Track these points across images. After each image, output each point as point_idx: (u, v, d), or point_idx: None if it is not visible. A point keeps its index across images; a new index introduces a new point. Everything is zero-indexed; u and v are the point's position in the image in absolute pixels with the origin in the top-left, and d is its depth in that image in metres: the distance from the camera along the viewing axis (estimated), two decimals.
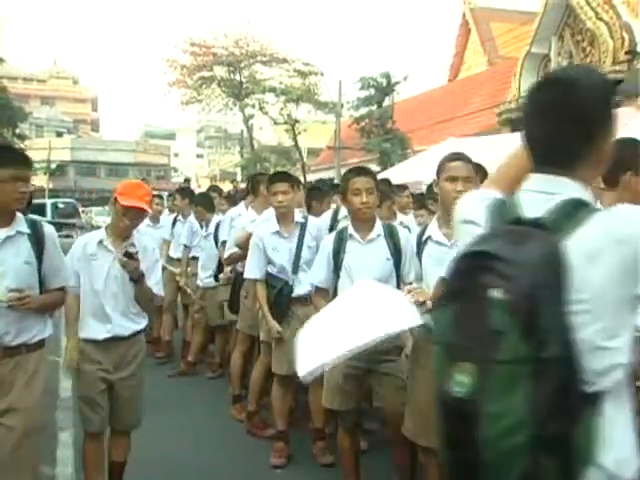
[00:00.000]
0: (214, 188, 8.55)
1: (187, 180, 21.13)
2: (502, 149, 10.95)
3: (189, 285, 7.12)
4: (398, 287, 3.63)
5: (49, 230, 3.31)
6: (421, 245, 3.46)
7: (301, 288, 4.53)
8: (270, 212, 5.19)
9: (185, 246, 7.24)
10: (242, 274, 5.60)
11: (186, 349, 7.25)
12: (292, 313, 4.53)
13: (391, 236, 3.77)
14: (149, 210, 3.77)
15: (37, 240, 3.20)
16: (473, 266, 1.43)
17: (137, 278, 3.56)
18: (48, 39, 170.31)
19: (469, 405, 1.35)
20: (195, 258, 7.11)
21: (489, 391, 1.32)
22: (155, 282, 3.77)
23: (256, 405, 5.24)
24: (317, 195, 5.75)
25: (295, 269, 4.58)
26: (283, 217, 4.62)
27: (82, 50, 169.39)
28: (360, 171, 3.83)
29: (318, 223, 4.82)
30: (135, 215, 3.62)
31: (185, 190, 8.35)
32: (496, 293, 1.34)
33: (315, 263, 3.99)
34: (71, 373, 3.85)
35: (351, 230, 3.80)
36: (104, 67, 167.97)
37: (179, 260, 7.40)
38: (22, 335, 3.15)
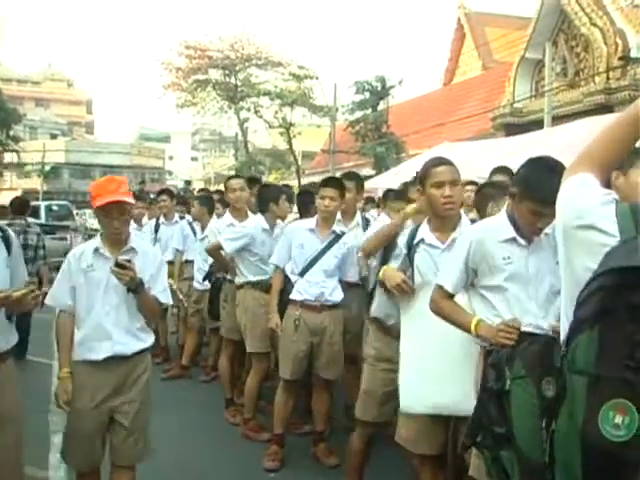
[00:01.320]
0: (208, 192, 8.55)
1: (188, 182, 20.93)
2: (496, 153, 10.98)
3: (181, 289, 7.10)
4: None
5: (13, 234, 3.19)
6: (412, 249, 3.31)
7: (309, 291, 4.48)
8: (257, 218, 5.24)
9: (177, 250, 7.22)
10: (222, 279, 5.71)
11: (179, 352, 7.25)
12: (300, 317, 4.48)
13: None
14: (130, 200, 3.23)
15: (7, 244, 3.06)
16: (624, 284, 1.24)
17: (135, 288, 3.17)
18: (43, 41, 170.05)
19: (630, 452, 1.12)
20: (188, 262, 7.11)
21: None
22: (161, 289, 3.39)
23: (253, 411, 5.22)
24: (308, 198, 5.75)
25: (305, 270, 4.51)
26: (324, 221, 4.59)
27: (77, 52, 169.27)
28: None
29: (351, 239, 4.70)
30: (118, 212, 3.16)
31: (171, 192, 8.28)
32: None
33: (449, 265, 3.00)
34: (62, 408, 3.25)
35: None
36: (99, 69, 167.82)
37: (168, 263, 7.35)
38: None
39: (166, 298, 3.42)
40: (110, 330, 3.22)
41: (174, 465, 4.61)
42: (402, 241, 3.46)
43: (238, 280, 5.26)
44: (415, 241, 3.30)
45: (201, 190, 8.09)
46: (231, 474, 4.56)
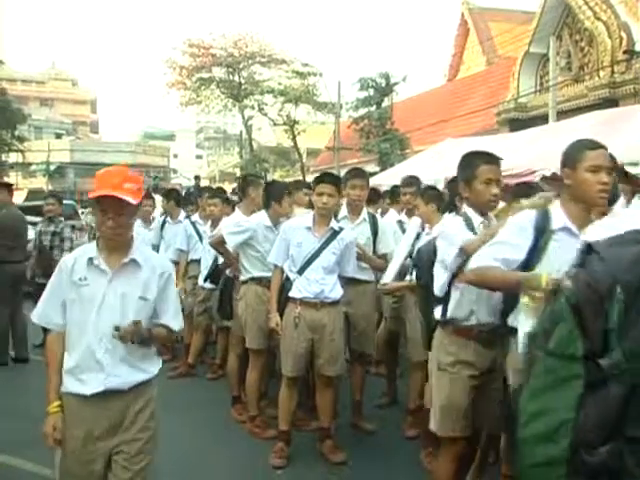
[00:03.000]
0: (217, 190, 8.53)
1: (197, 177, 20.70)
2: (501, 149, 10.95)
3: (185, 289, 7.12)
4: None
5: None
6: (545, 234, 2.99)
7: (309, 289, 4.47)
8: (261, 215, 5.23)
9: (181, 250, 7.22)
10: (231, 279, 5.67)
11: (186, 351, 7.26)
12: (299, 314, 4.48)
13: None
14: (130, 200, 2.66)
15: None
16: None
17: (143, 341, 2.77)
18: (47, 41, 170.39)
19: None
20: (193, 261, 7.12)
21: None
22: (173, 313, 2.91)
23: (257, 408, 5.25)
24: (276, 191, 5.80)
25: (304, 268, 4.49)
26: (321, 218, 4.56)
27: (81, 52, 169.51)
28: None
29: (351, 236, 4.70)
30: (114, 209, 2.66)
31: (171, 192, 8.28)
32: None
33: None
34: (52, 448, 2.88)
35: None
36: (103, 69, 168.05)
37: (172, 262, 7.37)
38: None
39: (179, 324, 2.95)
40: (102, 360, 2.71)
41: (180, 463, 4.63)
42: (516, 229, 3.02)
43: (242, 276, 5.28)
44: (553, 228, 2.95)
45: (218, 189, 8.05)
46: (238, 471, 4.57)
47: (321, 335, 4.48)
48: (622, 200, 4.63)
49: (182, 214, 7.65)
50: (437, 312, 3.44)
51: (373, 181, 13.36)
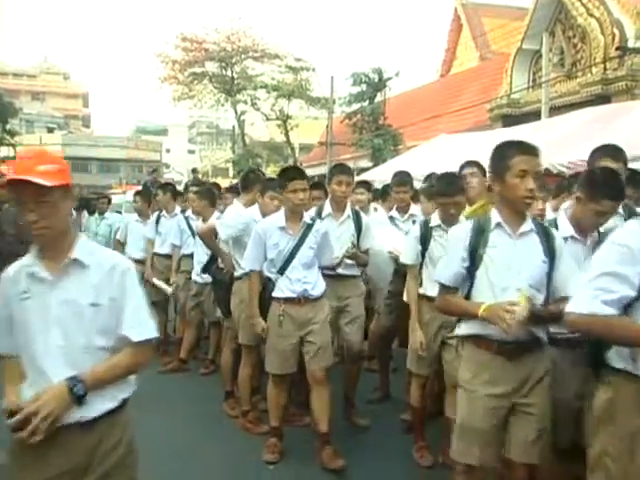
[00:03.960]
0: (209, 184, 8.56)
1: (195, 170, 20.34)
2: (494, 145, 10.96)
3: (178, 283, 7.12)
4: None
5: None
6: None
7: (291, 288, 4.44)
8: (254, 209, 5.22)
9: (175, 245, 7.23)
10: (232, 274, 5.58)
11: (178, 346, 7.26)
12: (284, 313, 4.45)
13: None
14: (43, 182, 2.15)
15: None
16: None
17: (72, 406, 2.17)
18: (39, 34, 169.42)
19: None
20: (185, 255, 7.13)
21: None
22: (133, 321, 2.31)
23: (249, 403, 5.26)
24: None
25: (284, 268, 4.46)
26: (294, 215, 4.49)
27: (73, 45, 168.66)
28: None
29: (325, 227, 4.69)
30: (32, 198, 2.19)
31: (166, 185, 8.28)
32: None
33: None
34: None
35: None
36: (95, 63, 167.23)
37: (166, 256, 7.40)
38: None
39: (142, 333, 2.33)
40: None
41: (173, 458, 4.63)
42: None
43: (236, 272, 5.25)
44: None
45: (214, 185, 8.09)
46: (230, 466, 4.57)
47: (307, 330, 4.46)
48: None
49: (177, 208, 7.65)
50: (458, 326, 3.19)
51: (366, 177, 13.38)
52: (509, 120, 16.75)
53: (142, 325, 2.34)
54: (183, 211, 7.51)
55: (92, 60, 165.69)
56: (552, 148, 8.18)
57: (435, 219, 4.46)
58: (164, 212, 7.64)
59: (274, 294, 4.49)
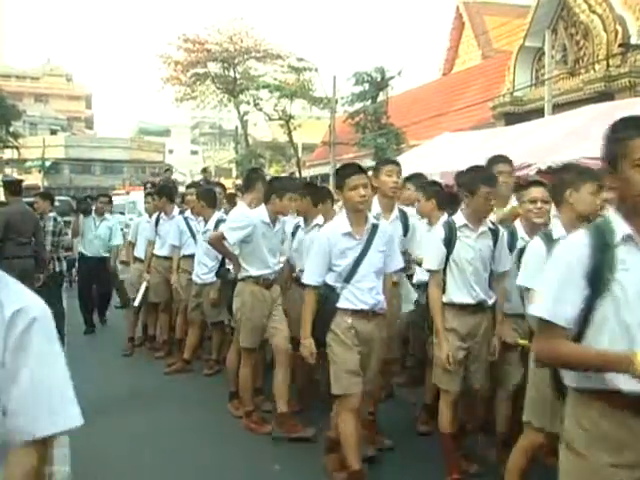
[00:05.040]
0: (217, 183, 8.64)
1: (205, 170, 19.64)
2: (497, 143, 10.95)
3: (180, 284, 7.12)
4: None
5: None
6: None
7: (362, 299, 3.95)
8: (260, 210, 5.13)
9: (174, 246, 7.24)
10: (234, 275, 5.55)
11: (179, 346, 7.26)
12: (352, 326, 3.92)
13: None
14: None
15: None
16: None
17: None
18: (41, 37, 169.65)
19: None
20: (185, 256, 7.15)
21: None
22: (32, 407, 1.46)
23: (252, 403, 5.25)
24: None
25: (351, 276, 3.95)
26: (358, 216, 3.97)
27: (76, 47, 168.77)
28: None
29: (390, 227, 4.30)
30: None
31: (163, 189, 8.28)
32: None
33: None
34: None
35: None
36: (98, 64, 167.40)
37: (165, 258, 7.40)
38: None
39: (58, 424, 1.53)
40: None
41: (177, 458, 4.63)
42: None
43: (239, 274, 5.21)
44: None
45: (218, 185, 8.13)
46: (234, 467, 4.56)
47: (370, 348, 4.02)
48: None
49: (176, 210, 7.66)
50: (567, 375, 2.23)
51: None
52: (512, 118, 16.71)
53: (58, 412, 1.53)
54: (182, 212, 7.54)
55: (95, 62, 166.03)
56: (555, 145, 8.17)
57: (460, 218, 4.11)
58: (162, 214, 7.66)
59: (340, 304, 3.94)
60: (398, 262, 4.21)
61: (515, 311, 3.99)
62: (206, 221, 6.61)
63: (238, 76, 33.78)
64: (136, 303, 7.73)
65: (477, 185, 3.99)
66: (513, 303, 4.04)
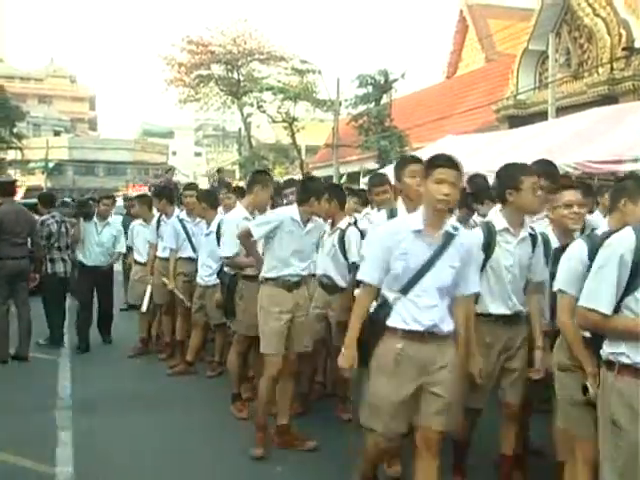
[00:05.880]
0: (225, 184, 8.64)
1: (220, 170, 19.09)
2: (500, 146, 10.95)
3: (177, 286, 7.13)
4: None
5: None
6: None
7: (417, 318, 3.26)
8: (290, 208, 4.92)
9: (171, 249, 7.21)
10: (235, 277, 5.52)
11: (181, 348, 7.26)
12: (403, 351, 3.27)
13: None
14: None
15: None
16: None
17: None
18: (45, 38, 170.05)
19: None
20: (182, 258, 7.15)
21: None
22: None
23: (238, 388, 5.52)
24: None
25: (409, 287, 3.27)
26: (436, 216, 3.28)
27: (79, 49, 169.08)
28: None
29: (472, 240, 3.53)
30: None
31: (163, 191, 8.26)
32: None
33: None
34: None
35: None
36: (102, 66, 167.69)
37: (167, 259, 7.40)
38: None
39: None
40: None
41: (179, 459, 4.63)
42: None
43: (260, 275, 4.91)
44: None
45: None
46: (237, 468, 4.56)
47: (431, 377, 3.28)
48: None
49: (177, 211, 7.66)
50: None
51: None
52: (516, 121, 16.70)
53: None
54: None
55: (99, 63, 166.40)
56: (559, 149, 8.16)
57: (500, 222, 3.77)
58: (163, 217, 7.66)
59: (390, 322, 3.30)
60: (474, 284, 3.51)
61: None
62: (208, 223, 6.61)
63: (242, 78, 33.80)
64: (143, 309, 7.66)
65: (519, 178, 3.70)
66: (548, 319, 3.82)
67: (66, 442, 4.92)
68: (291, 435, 4.84)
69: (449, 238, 3.28)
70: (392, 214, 4.08)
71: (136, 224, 8.36)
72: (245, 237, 4.93)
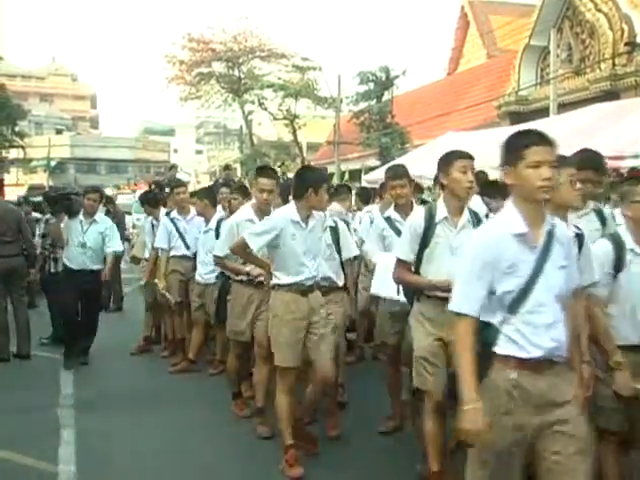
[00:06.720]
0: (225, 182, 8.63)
1: (227, 167, 18.97)
2: (502, 142, 10.90)
3: (169, 287, 7.09)
4: None
5: None
6: None
7: (534, 342, 2.53)
8: (286, 209, 4.55)
9: (161, 249, 7.13)
10: (228, 279, 5.50)
11: (182, 346, 7.25)
12: (517, 384, 2.53)
13: None
14: None
15: None
16: None
17: None
18: (46, 36, 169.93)
19: None
20: (174, 257, 7.11)
21: None
22: None
23: (238, 387, 5.54)
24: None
25: (518, 304, 2.55)
26: (537, 209, 2.60)
27: (81, 47, 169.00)
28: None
29: (568, 232, 2.88)
30: None
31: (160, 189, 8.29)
32: None
33: None
34: None
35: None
36: (103, 64, 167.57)
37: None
38: None
39: None
40: None
41: (181, 458, 4.63)
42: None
43: (271, 281, 4.55)
44: None
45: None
46: (238, 467, 4.55)
47: (553, 417, 2.53)
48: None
49: (163, 210, 7.63)
50: None
51: (374, 175, 13.35)
52: (517, 117, 16.68)
53: None
54: (168, 213, 7.37)
55: (100, 61, 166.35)
56: (561, 145, 8.13)
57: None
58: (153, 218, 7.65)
59: (499, 349, 2.56)
60: (590, 274, 3.10)
61: (627, 342, 3.28)
62: (207, 220, 6.59)
63: (242, 75, 33.80)
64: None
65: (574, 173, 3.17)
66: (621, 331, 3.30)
67: (68, 440, 4.92)
68: (293, 457, 4.34)
69: (550, 234, 2.60)
70: (431, 213, 3.79)
71: (147, 221, 7.95)
72: (240, 250, 4.59)
